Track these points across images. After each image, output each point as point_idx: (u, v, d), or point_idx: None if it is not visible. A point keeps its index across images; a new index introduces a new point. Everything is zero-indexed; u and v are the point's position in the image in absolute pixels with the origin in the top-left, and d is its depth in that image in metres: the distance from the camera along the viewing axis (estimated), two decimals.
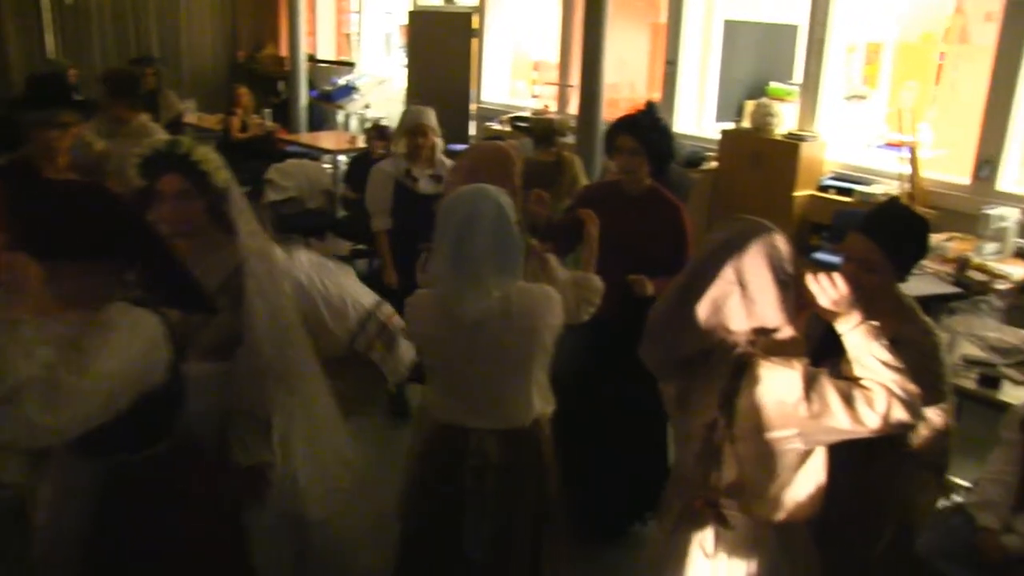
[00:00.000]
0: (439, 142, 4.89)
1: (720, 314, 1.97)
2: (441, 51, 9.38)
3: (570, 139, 6.50)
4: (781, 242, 1.99)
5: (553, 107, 9.23)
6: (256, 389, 2.55)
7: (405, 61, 10.10)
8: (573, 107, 7.54)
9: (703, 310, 1.97)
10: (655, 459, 3.68)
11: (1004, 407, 3.17)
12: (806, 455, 2.05)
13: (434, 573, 2.66)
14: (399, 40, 11.32)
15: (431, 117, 4.86)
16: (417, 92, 9.40)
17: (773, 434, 1.97)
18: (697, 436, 2.05)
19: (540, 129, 5.92)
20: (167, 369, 2.03)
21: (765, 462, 2.05)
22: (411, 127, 4.80)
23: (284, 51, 11.73)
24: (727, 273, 1.96)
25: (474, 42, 9.52)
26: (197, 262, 2.53)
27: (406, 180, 4.74)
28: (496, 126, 9.11)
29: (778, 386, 1.96)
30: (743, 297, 1.95)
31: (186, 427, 2.21)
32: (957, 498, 3.36)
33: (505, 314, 2.38)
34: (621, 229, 3.51)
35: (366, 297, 3.43)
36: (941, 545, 2.85)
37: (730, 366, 1.98)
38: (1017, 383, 3.42)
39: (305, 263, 3.45)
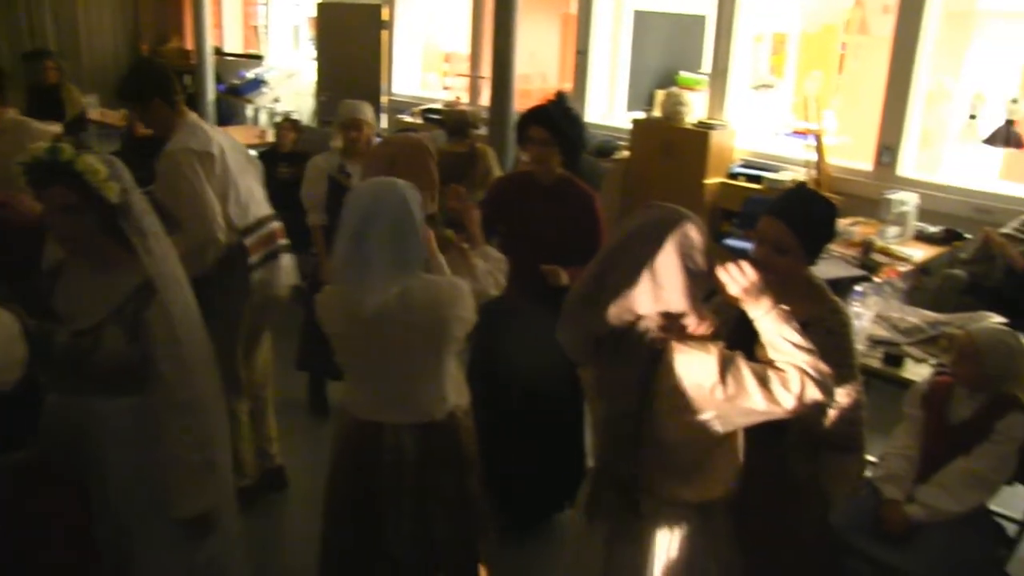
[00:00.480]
0: (375, 137, 4.82)
1: (629, 298, 1.99)
2: (350, 43, 9.26)
3: (483, 131, 6.49)
4: (693, 230, 2.01)
5: (465, 99, 9.21)
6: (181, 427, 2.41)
7: (314, 54, 9.95)
8: (485, 98, 7.52)
9: (612, 294, 2.00)
10: (572, 447, 3.71)
11: (907, 384, 3.27)
12: (724, 437, 2.08)
13: (357, 572, 2.63)
14: (308, 33, 11.15)
15: (367, 111, 4.78)
16: (327, 85, 9.28)
17: (691, 417, 2.00)
18: (615, 421, 2.06)
19: (453, 121, 5.91)
20: (22, 367, 1.96)
21: (683, 445, 2.08)
22: (346, 121, 4.72)
23: (189, 44, 11.45)
24: (638, 259, 1.99)
25: (384, 34, 9.43)
26: (88, 282, 2.42)
27: (340, 176, 4.66)
28: (408, 118, 9.05)
29: (694, 370, 1.98)
30: (651, 283, 1.98)
31: (47, 447, 2.13)
32: (866, 473, 3.46)
33: (406, 308, 2.36)
34: (534, 219, 3.52)
35: (265, 207, 3.84)
36: (850, 518, 2.92)
37: (646, 351, 1.99)
38: (919, 361, 3.53)
39: (227, 146, 3.63)
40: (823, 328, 2.49)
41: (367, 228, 2.31)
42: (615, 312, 2.01)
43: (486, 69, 7.68)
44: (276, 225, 3.91)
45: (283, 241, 3.93)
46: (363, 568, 2.62)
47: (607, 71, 8.25)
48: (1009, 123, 6.13)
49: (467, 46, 9.31)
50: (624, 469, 2.07)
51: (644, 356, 2.00)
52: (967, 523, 2.88)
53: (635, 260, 1.99)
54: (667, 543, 2.14)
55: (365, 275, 2.32)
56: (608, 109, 8.37)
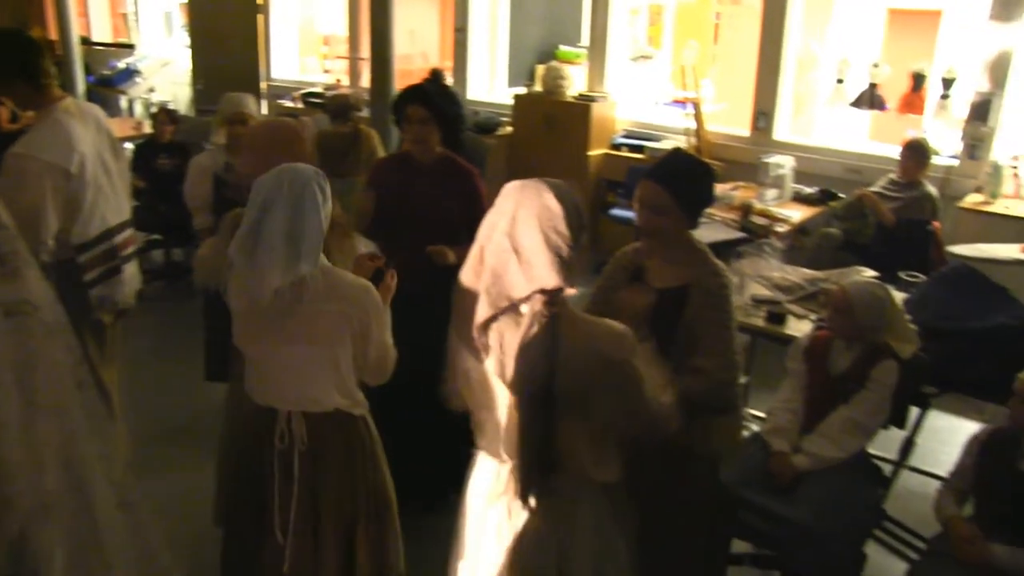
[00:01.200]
0: None
1: (501, 283, 1.96)
2: (225, 29, 9.04)
3: (365, 113, 6.42)
4: (551, 200, 1.97)
5: (345, 81, 9.08)
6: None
7: (188, 41, 9.67)
8: (366, 80, 7.44)
9: (486, 281, 1.97)
10: (457, 431, 3.69)
11: (790, 340, 3.39)
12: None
13: (250, 559, 2.59)
14: (180, 19, 10.82)
15: (251, 104, 4.58)
16: (203, 73, 9.03)
17: (587, 393, 2.02)
18: (526, 405, 2.04)
19: (335, 105, 5.83)
20: None
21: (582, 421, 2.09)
22: (229, 116, 4.50)
23: (54, 33, 10.96)
24: (503, 242, 1.96)
25: (260, 18, 9.22)
26: None
27: (226, 174, 4.36)
28: (289, 103, 8.89)
29: (594, 346, 2.01)
30: (520, 263, 1.95)
31: None
32: (754, 427, 3.59)
33: (298, 299, 2.32)
34: (416, 200, 3.49)
35: (121, 212, 3.46)
36: (740, 473, 3.02)
37: (542, 328, 1.98)
38: (800, 317, 3.67)
39: (90, 151, 3.27)
40: (702, 290, 2.58)
41: (264, 217, 2.26)
42: (494, 298, 1.98)
43: (366, 50, 7.59)
44: (124, 236, 3.54)
45: (129, 251, 3.59)
46: (255, 556, 2.59)
47: (486, 48, 8.25)
48: (872, 86, 6.39)
49: (345, 28, 9.17)
50: (537, 451, 2.06)
51: (540, 337, 1.97)
52: (849, 468, 3.01)
53: (499, 244, 1.97)
54: (573, 519, 2.16)
55: (257, 262, 2.27)
56: (489, 86, 8.38)
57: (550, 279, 1.95)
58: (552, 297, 1.97)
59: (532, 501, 2.09)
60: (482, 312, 1.98)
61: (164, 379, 4.98)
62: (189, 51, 9.51)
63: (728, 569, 3.32)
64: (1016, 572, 2.58)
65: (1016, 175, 5.71)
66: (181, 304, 6.26)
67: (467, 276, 2.04)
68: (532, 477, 2.07)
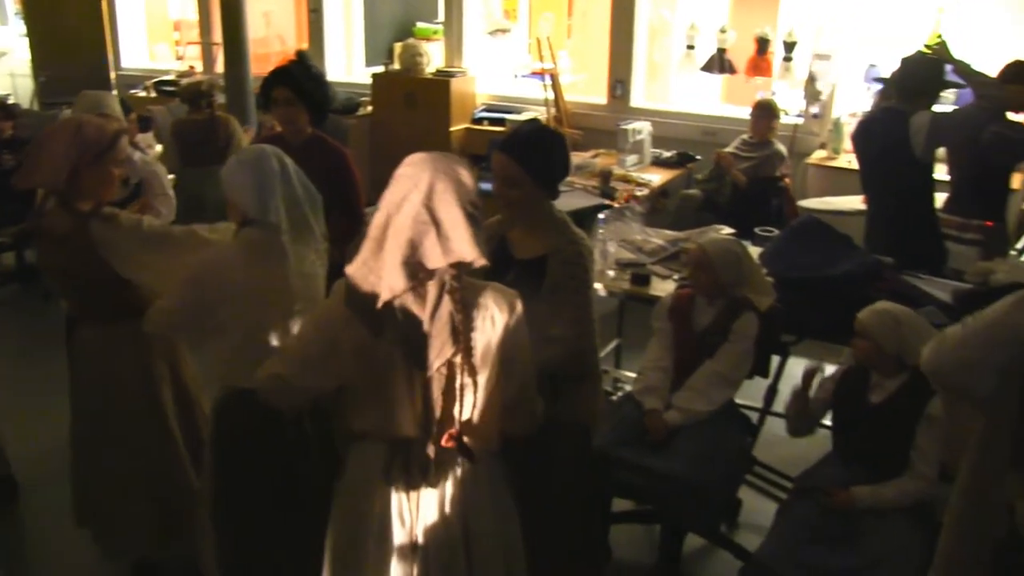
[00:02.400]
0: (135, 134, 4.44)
1: (418, 254, 1.91)
2: (65, 16, 8.59)
3: (222, 99, 6.26)
4: (466, 175, 1.98)
5: (200, 68, 8.81)
6: None
7: (24, 30, 9.16)
8: (221, 65, 7.24)
9: (403, 252, 1.91)
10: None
11: (655, 301, 3.48)
12: None
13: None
14: (13, 7, 10.24)
15: (112, 104, 4.39)
16: (45, 63, 8.58)
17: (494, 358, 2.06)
18: (439, 373, 2.03)
19: (189, 92, 5.66)
20: None
21: (494, 393, 2.11)
22: None
23: None
24: (420, 213, 1.91)
25: (103, 4, 8.82)
26: None
27: None
28: (141, 93, 8.56)
29: (497, 311, 2.04)
30: (438, 235, 1.91)
31: None
32: (628, 388, 3.68)
33: None
34: None
35: None
36: (616, 433, 3.10)
37: (455, 300, 1.97)
38: (664, 277, 3.78)
39: None
40: (560, 259, 2.64)
41: None
42: (412, 269, 1.92)
43: (219, 35, 7.38)
44: None
45: None
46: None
47: (342, 27, 8.13)
48: (721, 51, 6.59)
49: (195, 12, 8.88)
50: (449, 419, 2.06)
51: (452, 311, 1.97)
52: (718, 419, 3.12)
53: (415, 215, 1.91)
54: (477, 486, 2.17)
55: None
56: (347, 66, 8.28)
57: (470, 252, 1.93)
58: (460, 270, 1.97)
59: (434, 474, 2.09)
60: (394, 284, 1.91)
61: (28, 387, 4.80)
62: (26, 40, 9.01)
63: (611, 528, 3.44)
64: (876, 507, 2.74)
65: None
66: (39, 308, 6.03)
67: (368, 249, 1.96)
68: (437, 449, 2.07)
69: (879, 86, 5.20)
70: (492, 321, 2.03)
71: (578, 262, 2.67)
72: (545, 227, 2.70)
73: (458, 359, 1.99)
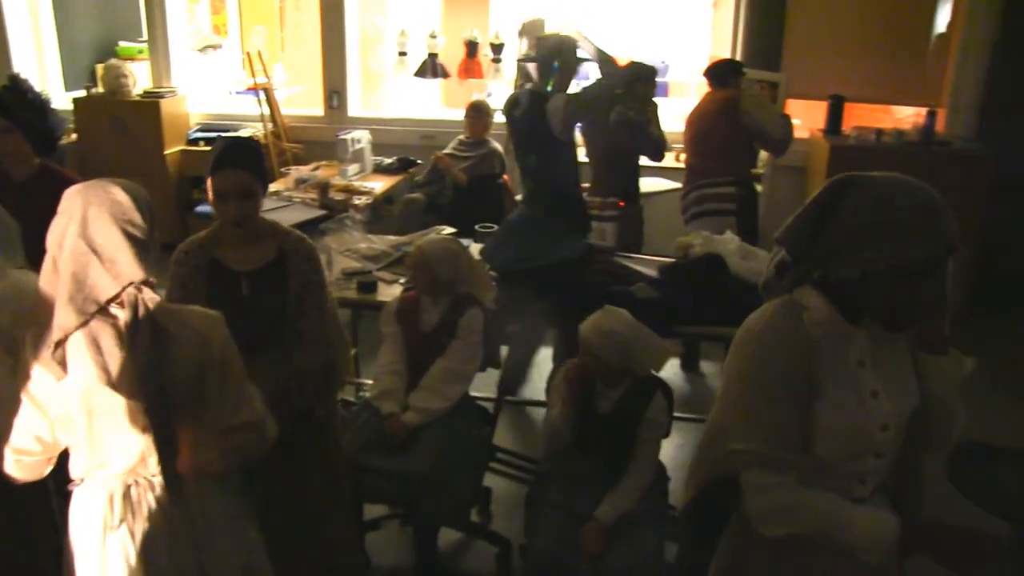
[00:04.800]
0: None
1: (86, 288, 1.88)
2: None
3: None
4: (120, 194, 1.94)
5: None
6: None
7: None
8: None
9: (69, 290, 1.87)
10: None
11: (381, 306, 3.50)
12: None
13: None
14: None
15: None
16: None
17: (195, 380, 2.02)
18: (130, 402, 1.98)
19: None
20: None
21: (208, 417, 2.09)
22: None
23: None
24: (78, 246, 1.88)
25: None
26: None
27: None
28: None
29: (192, 331, 2.00)
30: (102, 263, 1.89)
31: None
32: (364, 395, 3.69)
33: None
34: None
35: None
36: (359, 440, 3.10)
37: (145, 322, 1.94)
38: (390, 282, 3.80)
39: None
40: (300, 257, 2.72)
41: None
42: (80, 305, 1.88)
43: None
44: None
45: None
46: None
47: (32, 49, 7.48)
48: (432, 56, 6.73)
49: None
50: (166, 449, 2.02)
51: (145, 336, 1.92)
52: (456, 413, 3.20)
53: (75, 248, 1.88)
54: (208, 515, 2.13)
55: None
56: (42, 91, 7.68)
57: (136, 273, 1.93)
58: (142, 289, 1.94)
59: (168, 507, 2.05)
60: (67, 322, 1.87)
61: None
62: None
63: (367, 535, 3.44)
64: (620, 519, 2.79)
65: None
66: None
67: (44, 289, 1.92)
68: (169, 480, 2.03)
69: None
70: (184, 340, 1.98)
71: (315, 256, 2.77)
72: (267, 234, 2.74)
73: (158, 386, 1.95)
